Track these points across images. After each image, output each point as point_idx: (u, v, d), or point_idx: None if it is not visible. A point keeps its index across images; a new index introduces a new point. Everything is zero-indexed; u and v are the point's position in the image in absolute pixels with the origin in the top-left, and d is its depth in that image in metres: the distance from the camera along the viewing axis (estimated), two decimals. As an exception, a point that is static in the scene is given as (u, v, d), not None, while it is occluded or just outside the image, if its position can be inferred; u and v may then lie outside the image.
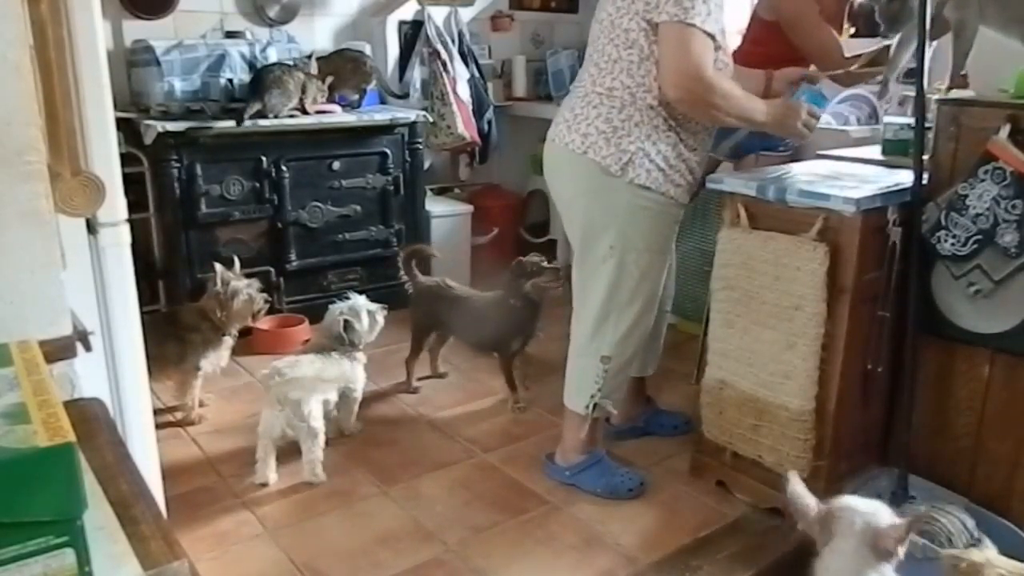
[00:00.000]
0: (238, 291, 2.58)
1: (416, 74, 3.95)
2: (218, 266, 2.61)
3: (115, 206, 1.37)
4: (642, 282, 2.12)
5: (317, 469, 2.27)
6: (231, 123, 3.09)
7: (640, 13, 1.92)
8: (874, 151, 2.41)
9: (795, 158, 2.87)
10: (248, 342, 3.12)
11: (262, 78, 3.20)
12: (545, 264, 2.71)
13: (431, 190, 4.04)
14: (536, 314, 2.74)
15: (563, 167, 2.13)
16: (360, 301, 2.52)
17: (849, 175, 2.13)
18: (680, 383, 2.92)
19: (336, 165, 3.43)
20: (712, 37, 1.89)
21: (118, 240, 1.42)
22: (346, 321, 2.43)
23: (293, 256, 3.40)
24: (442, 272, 3.81)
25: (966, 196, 1.85)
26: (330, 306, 2.53)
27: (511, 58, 4.44)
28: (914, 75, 1.98)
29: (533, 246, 3.12)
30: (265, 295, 2.69)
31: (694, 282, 3.30)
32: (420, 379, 2.95)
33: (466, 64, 3.93)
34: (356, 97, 3.58)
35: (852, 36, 3.37)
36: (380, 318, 2.53)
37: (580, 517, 2.16)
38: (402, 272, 2.91)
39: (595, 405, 2.20)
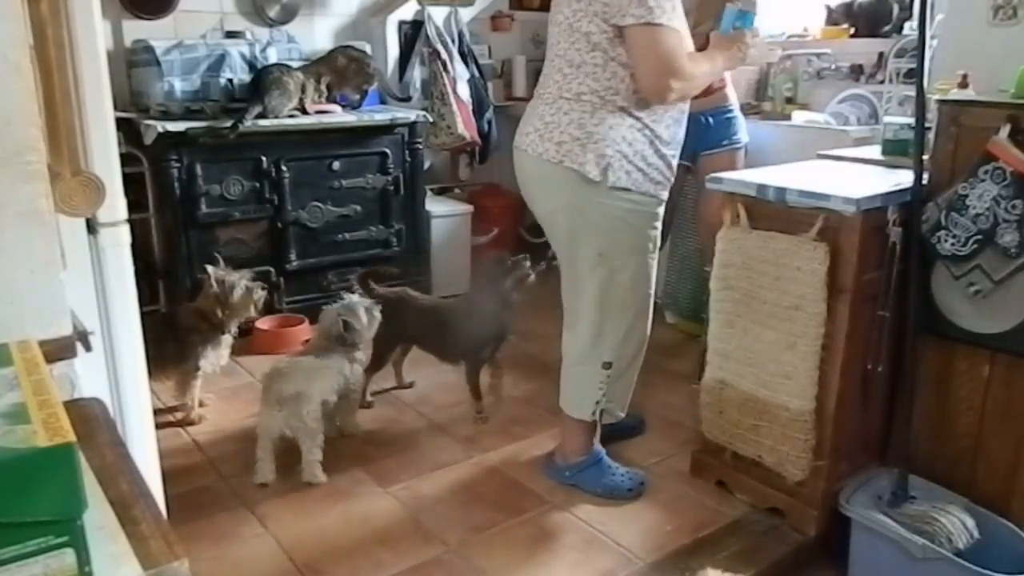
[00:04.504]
0: (235, 285, 2.58)
1: (416, 74, 3.95)
2: (209, 267, 2.60)
3: (115, 206, 1.37)
4: (635, 284, 2.11)
5: (316, 470, 2.27)
6: (227, 125, 3.07)
7: (600, 15, 1.88)
8: (874, 151, 2.41)
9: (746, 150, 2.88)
10: (248, 342, 3.13)
11: (262, 79, 3.20)
12: (515, 258, 2.68)
13: (431, 190, 4.04)
14: (511, 314, 2.68)
15: (539, 178, 2.08)
16: (355, 299, 2.52)
17: (849, 175, 2.13)
18: (680, 383, 2.92)
19: (336, 165, 3.43)
20: (679, 31, 1.88)
21: (118, 240, 1.41)
22: (345, 321, 2.42)
23: (293, 256, 3.40)
24: (442, 273, 3.82)
25: (966, 196, 1.85)
26: (324, 307, 2.52)
27: (511, 58, 4.44)
28: (914, 75, 1.98)
29: (533, 246, 3.11)
30: (261, 283, 2.69)
31: (694, 282, 3.31)
32: (383, 391, 2.88)
33: (466, 64, 3.93)
34: (357, 97, 3.58)
35: (852, 36, 3.38)
36: (377, 314, 2.52)
37: (580, 517, 2.16)
38: (359, 290, 2.75)
39: (602, 411, 2.20)
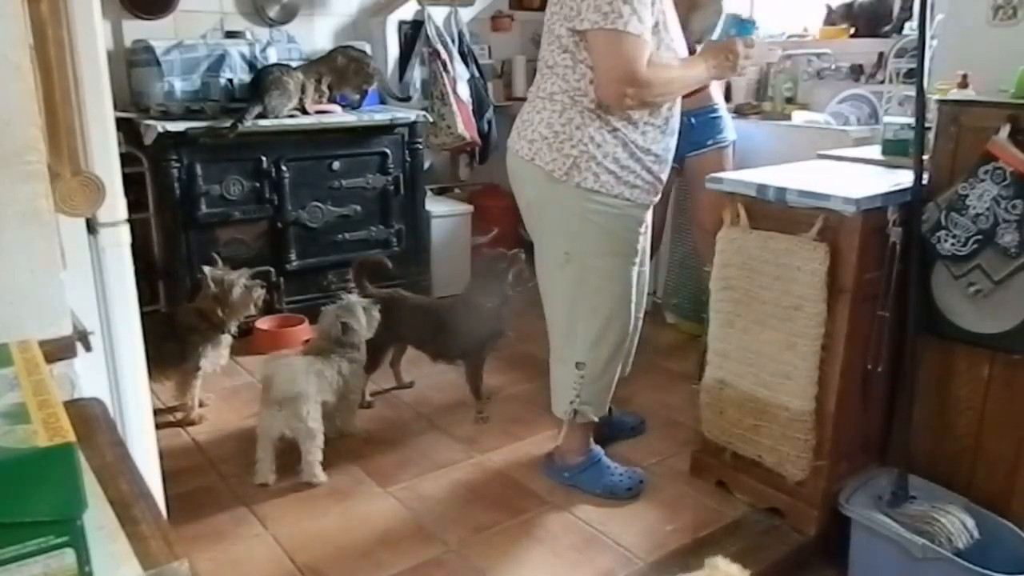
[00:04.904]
0: (234, 284, 2.57)
1: (416, 74, 3.95)
2: (206, 268, 2.60)
3: (115, 206, 1.37)
4: (606, 287, 2.09)
5: (316, 470, 2.27)
6: (228, 126, 3.07)
7: (567, 18, 1.90)
8: (874, 151, 2.41)
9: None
10: (248, 342, 3.12)
11: (262, 79, 3.20)
12: (511, 252, 2.69)
13: (431, 190, 4.04)
14: (509, 310, 2.69)
15: (516, 174, 2.12)
16: (353, 299, 2.51)
17: (849, 175, 2.13)
18: (680, 383, 2.92)
19: (336, 165, 3.43)
20: (640, 37, 1.84)
21: (118, 240, 1.41)
22: (343, 323, 2.42)
23: (293, 256, 3.40)
24: (442, 273, 3.82)
25: (966, 196, 1.85)
26: (323, 308, 2.52)
27: (511, 58, 4.44)
28: (914, 75, 1.98)
29: (532, 245, 3.10)
30: (260, 281, 2.69)
31: (694, 282, 3.31)
32: (383, 391, 2.89)
33: (466, 64, 3.93)
34: (357, 97, 3.58)
35: (852, 36, 3.38)
36: (376, 313, 2.52)
37: (580, 517, 2.16)
38: (354, 285, 2.76)
39: (575, 412, 2.19)
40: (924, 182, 1.92)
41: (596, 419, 2.26)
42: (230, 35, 3.53)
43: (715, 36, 2.05)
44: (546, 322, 2.23)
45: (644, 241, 2.17)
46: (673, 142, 2.10)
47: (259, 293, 2.66)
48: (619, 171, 1.99)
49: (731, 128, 2.91)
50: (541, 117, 2.01)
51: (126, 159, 1.78)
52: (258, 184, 3.27)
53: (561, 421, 2.29)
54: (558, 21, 1.94)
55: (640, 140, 2.00)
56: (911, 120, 2.05)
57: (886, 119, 2.53)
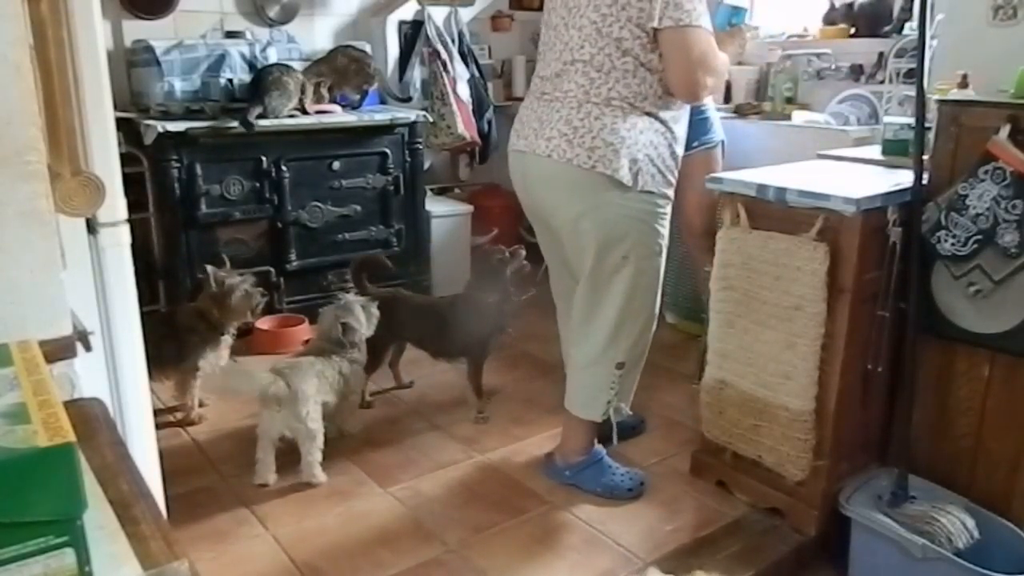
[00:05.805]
0: (234, 288, 2.57)
1: (416, 74, 3.95)
2: (209, 268, 2.60)
3: (115, 206, 1.37)
4: (652, 285, 2.15)
5: (316, 470, 2.27)
6: (234, 125, 3.08)
7: (633, 20, 1.89)
8: (874, 151, 2.41)
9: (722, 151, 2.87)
10: (248, 342, 3.12)
11: (262, 79, 3.20)
12: (511, 249, 2.70)
13: (431, 190, 4.04)
14: (511, 307, 2.69)
15: (566, 183, 2.03)
16: (351, 298, 2.51)
17: (849, 175, 2.13)
18: (680, 383, 2.92)
19: (336, 165, 3.43)
20: (709, 30, 1.95)
21: (118, 240, 1.41)
22: (343, 324, 2.41)
23: (293, 256, 3.40)
24: (442, 273, 3.82)
25: (966, 196, 1.85)
26: (321, 309, 2.52)
27: (511, 58, 4.44)
28: (914, 75, 1.98)
29: (533, 245, 3.10)
30: (261, 289, 2.68)
31: (693, 282, 3.30)
32: (383, 391, 2.89)
33: (466, 64, 3.93)
34: (357, 97, 3.58)
35: (852, 36, 3.38)
36: (375, 311, 2.51)
37: (580, 517, 2.16)
38: (352, 285, 2.74)
39: (613, 409, 2.22)
40: (924, 182, 1.92)
41: (630, 412, 2.34)
42: (230, 35, 3.53)
43: (717, 25, 2.15)
44: (580, 330, 2.20)
45: None
46: None
47: (259, 302, 2.64)
48: (664, 169, 2.05)
49: (719, 129, 2.89)
50: (602, 124, 1.96)
51: (126, 159, 1.78)
52: (258, 184, 3.26)
53: (565, 421, 2.30)
54: (617, 24, 1.92)
55: (679, 132, 2.09)
56: (911, 120, 2.05)
57: (886, 119, 2.53)
